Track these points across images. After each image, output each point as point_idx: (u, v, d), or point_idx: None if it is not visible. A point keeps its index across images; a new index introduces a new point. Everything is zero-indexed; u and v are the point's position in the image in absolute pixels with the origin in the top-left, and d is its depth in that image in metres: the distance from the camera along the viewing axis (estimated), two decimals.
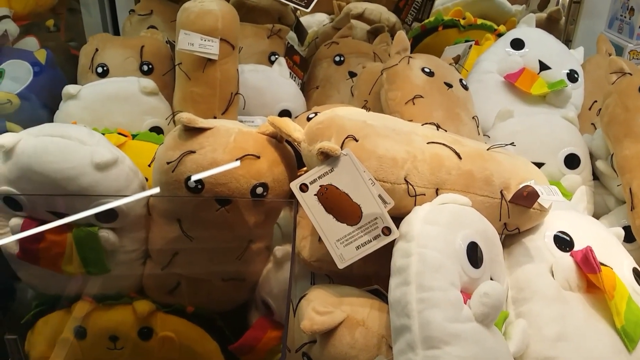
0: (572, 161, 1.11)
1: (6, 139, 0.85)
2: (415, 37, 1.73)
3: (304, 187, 0.76)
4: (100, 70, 1.26)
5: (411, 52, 1.13)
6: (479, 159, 0.81)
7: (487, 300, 0.66)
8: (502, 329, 0.73)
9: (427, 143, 0.79)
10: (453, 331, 0.64)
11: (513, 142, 0.86)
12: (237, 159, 0.85)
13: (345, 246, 0.75)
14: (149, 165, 0.93)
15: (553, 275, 0.79)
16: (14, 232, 0.91)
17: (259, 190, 0.87)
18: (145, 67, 1.26)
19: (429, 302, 0.65)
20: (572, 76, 1.28)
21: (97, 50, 1.28)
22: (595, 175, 1.14)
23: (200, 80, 1.11)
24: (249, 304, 1.04)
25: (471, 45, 1.48)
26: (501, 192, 0.80)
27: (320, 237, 0.77)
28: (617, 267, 0.81)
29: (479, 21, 1.65)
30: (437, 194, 0.77)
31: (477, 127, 1.10)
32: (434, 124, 0.87)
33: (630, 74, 1.04)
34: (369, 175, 0.74)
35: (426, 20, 1.76)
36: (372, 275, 0.85)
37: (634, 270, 0.83)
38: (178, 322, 0.98)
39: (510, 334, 0.73)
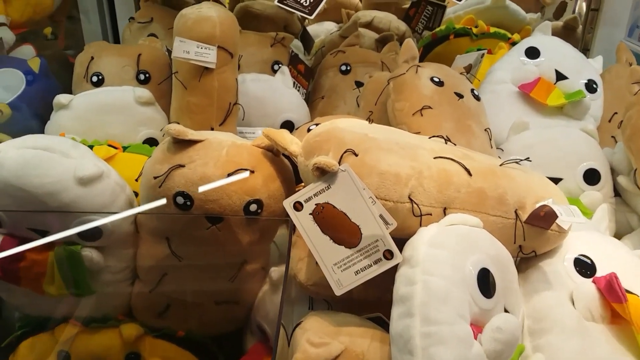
0: (592, 176, 1.06)
1: None
2: (426, 46, 1.70)
3: (298, 206, 0.69)
4: (95, 79, 1.24)
5: (422, 62, 1.09)
6: (491, 175, 0.75)
7: (501, 336, 0.60)
8: None
9: (434, 158, 0.73)
10: None
11: (528, 157, 0.79)
12: (229, 174, 0.80)
13: (343, 271, 0.69)
14: (136, 180, 0.88)
15: (574, 304, 0.74)
16: None
17: (253, 207, 0.82)
18: (142, 76, 1.24)
19: (434, 337, 0.59)
20: (590, 86, 1.24)
21: (92, 58, 1.26)
22: (617, 192, 1.10)
23: (197, 89, 1.07)
24: (243, 329, 0.99)
25: (483, 54, 1.44)
26: (516, 212, 0.74)
27: None
28: None
29: (492, 29, 1.62)
30: (444, 214, 0.72)
31: (490, 140, 1.05)
32: (443, 137, 0.80)
33: None
34: (369, 193, 0.68)
35: (437, 29, 1.72)
36: (374, 301, 0.79)
37: None
38: (167, 347, 0.95)
39: None
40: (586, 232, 0.86)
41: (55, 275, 0.87)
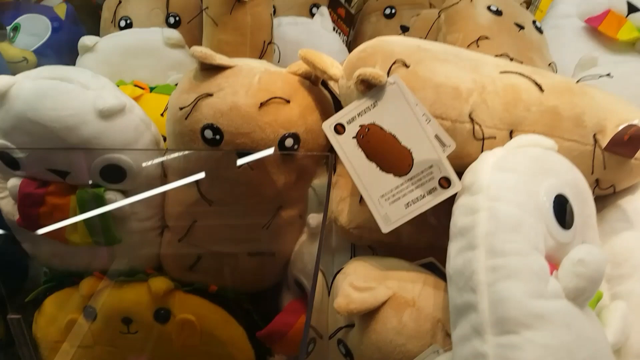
0: None
1: None
2: None
3: (339, 128, 0.61)
4: (123, 23, 1.18)
5: None
6: (567, 92, 0.65)
7: (584, 270, 0.50)
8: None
9: (500, 72, 0.63)
10: (536, 311, 0.49)
11: (609, 73, 0.68)
12: (261, 104, 0.72)
13: (392, 203, 0.61)
14: (162, 115, 0.81)
15: None
16: (12, 195, 0.83)
17: (289, 142, 0.74)
18: (172, 20, 1.17)
19: (502, 271, 0.50)
20: None
21: (120, 2, 1.20)
22: None
23: (229, 25, 1.00)
24: (280, 285, 0.94)
25: None
26: (594, 136, 0.64)
27: (361, 197, 0.65)
28: None
29: None
30: (510, 138, 0.62)
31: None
32: (508, 56, 0.70)
33: None
34: (422, 109, 0.59)
35: None
36: (426, 248, 0.72)
37: None
38: (199, 303, 0.89)
39: (606, 321, 0.58)
40: None
41: (79, 221, 0.82)
